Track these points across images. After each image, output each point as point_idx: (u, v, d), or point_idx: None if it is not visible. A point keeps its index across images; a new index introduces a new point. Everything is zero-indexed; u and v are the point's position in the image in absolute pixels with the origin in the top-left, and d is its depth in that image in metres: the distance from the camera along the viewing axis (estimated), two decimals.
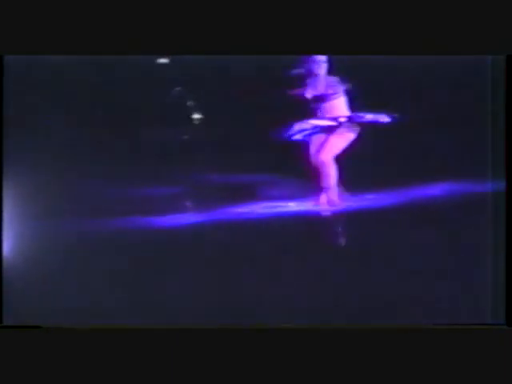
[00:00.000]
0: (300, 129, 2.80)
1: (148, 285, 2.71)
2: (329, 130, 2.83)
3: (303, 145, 2.81)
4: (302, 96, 2.81)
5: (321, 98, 2.83)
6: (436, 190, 2.77)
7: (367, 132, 2.80)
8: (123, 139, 2.74)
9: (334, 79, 2.81)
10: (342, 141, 2.81)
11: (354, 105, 2.82)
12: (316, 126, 2.82)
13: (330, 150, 2.81)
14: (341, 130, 2.82)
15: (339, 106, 2.83)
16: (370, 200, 2.79)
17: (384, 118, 2.78)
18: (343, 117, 2.82)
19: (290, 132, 2.78)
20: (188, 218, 2.75)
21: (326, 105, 2.83)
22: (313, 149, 2.82)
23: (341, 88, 2.81)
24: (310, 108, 2.82)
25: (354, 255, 2.74)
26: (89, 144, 2.74)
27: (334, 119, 2.83)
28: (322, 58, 2.80)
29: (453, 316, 2.71)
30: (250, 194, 2.77)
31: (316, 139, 2.83)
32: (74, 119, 2.73)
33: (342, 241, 2.76)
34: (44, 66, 2.73)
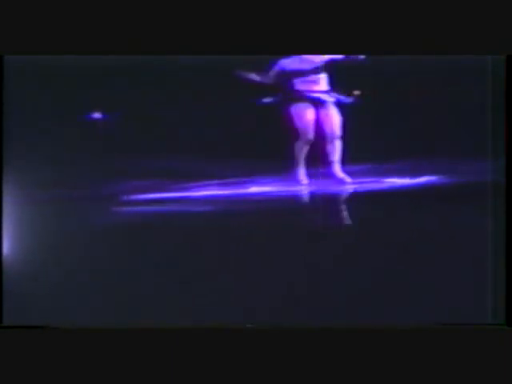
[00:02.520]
0: (283, 99, 2.80)
1: (149, 284, 2.71)
2: (317, 104, 2.83)
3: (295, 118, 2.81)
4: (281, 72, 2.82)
5: (303, 73, 2.83)
6: (435, 188, 2.77)
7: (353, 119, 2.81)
8: (123, 138, 2.74)
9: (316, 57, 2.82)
10: (336, 116, 2.81)
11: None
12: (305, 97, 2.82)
13: (334, 125, 2.80)
14: (329, 105, 2.82)
15: (320, 82, 2.82)
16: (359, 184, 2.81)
17: (347, 100, 2.79)
18: (326, 93, 2.82)
19: (271, 102, 2.78)
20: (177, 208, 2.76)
21: (307, 80, 2.83)
22: (310, 123, 2.82)
23: (321, 66, 2.81)
24: (291, 83, 2.82)
25: (347, 251, 2.74)
26: (89, 144, 2.74)
27: (319, 93, 2.83)
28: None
29: (453, 316, 2.71)
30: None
31: (306, 113, 2.82)
32: (74, 119, 2.73)
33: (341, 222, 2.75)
34: (44, 66, 2.73)
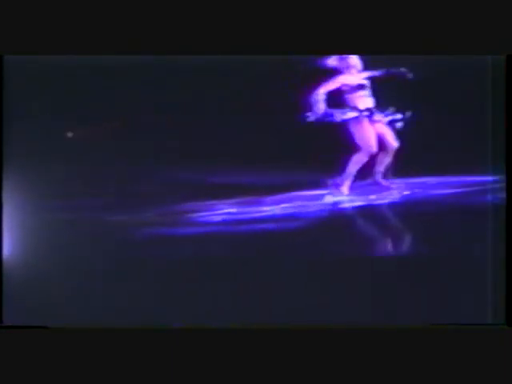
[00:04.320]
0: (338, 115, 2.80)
1: (149, 284, 2.71)
2: (372, 118, 2.83)
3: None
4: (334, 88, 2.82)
5: (353, 89, 2.83)
6: (434, 188, 2.78)
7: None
8: (123, 139, 2.75)
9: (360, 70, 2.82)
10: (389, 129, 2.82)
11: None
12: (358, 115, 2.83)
13: (392, 137, 2.81)
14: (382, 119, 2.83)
15: (366, 98, 2.83)
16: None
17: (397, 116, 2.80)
18: (372, 109, 2.83)
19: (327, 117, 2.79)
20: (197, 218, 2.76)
21: (356, 95, 2.83)
22: (372, 136, 2.82)
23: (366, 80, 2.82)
24: (342, 97, 2.82)
25: (348, 253, 2.74)
26: (89, 144, 2.74)
27: (368, 110, 2.83)
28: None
29: (453, 316, 2.71)
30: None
31: (367, 127, 2.82)
32: (74, 119, 2.74)
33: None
34: (44, 66, 2.73)
